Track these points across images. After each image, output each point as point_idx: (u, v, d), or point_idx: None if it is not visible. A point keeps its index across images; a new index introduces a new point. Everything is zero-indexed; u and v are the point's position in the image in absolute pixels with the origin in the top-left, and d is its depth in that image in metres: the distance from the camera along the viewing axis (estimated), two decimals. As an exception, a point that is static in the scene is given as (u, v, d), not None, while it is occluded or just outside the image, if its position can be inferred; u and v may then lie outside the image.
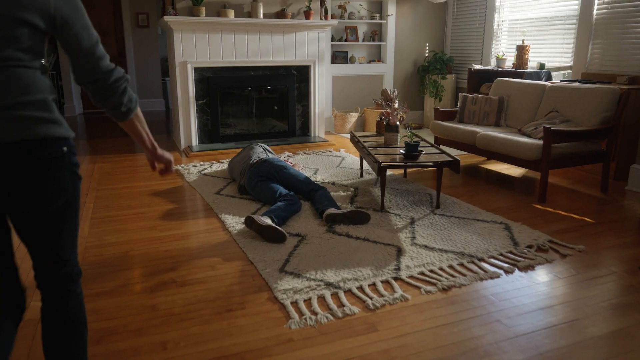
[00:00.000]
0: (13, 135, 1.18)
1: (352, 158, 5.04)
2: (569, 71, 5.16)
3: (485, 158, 4.85)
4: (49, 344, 1.37)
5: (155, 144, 1.51)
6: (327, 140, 5.82)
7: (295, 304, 2.21)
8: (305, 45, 5.75)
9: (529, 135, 3.97)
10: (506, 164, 4.79)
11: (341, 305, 2.20)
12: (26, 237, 1.31)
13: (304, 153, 5.31)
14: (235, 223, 3.19)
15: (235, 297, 2.29)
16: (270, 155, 4.10)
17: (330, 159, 5.03)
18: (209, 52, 5.31)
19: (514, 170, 4.63)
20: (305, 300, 2.24)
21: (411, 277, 2.47)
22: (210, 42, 5.29)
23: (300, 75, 5.86)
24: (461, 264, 2.61)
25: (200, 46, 5.26)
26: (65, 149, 1.27)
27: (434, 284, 2.39)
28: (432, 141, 4.90)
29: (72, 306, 1.38)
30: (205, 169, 4.60)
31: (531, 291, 2.34)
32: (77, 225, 1.39)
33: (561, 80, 4.83)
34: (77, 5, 1.28)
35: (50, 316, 1.37)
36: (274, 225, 2.89)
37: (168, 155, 1.56)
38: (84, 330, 1.42)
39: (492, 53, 6.26)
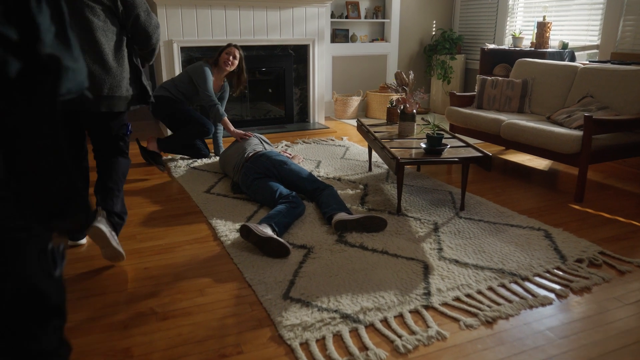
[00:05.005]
0: None
1: (357, 148, 4.56)
2: (596, 51, 4.69)
3: (504, 148, 4.38)
4: None
5: (232, 129, 3.75)
6: (328, 127, 5.32)
7: (305, 345, 1.76)
8: (303, 22, 5.20)
9: (561, 124, 3.50)
10: (528, 155, 4.33)
11: (364, 348, 1.75)
12: None
13: (304, 142, 4.81)
14: (228, 230, 2.71)
15: (229, 335, 1.83)
16: (268, 148, 3.61)
17: (333, 148, 4.55)
18: (197, 30, 4.75)
19: (537, 162, 4.17)
20: (317, 341, 1.78)
21: (445, 304, 2.02)
22: (198, 18, 4.73)
23: (297, 56, 5.32)
24: (502, 285, 2.17)
25: (187, 23, 4.71)
26: None
27: (474, 315, 1.95)
28: (447, 129, 4.41)
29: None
30: (195, 161, 4.11)
31: (595, 324, 1.90)
32: None
33: (589, 61, 4.35)
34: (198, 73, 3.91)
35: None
36: (275, 236, 2.41)
37: (238, 131, 3.67)
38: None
39: (507, 31, 5.74)
